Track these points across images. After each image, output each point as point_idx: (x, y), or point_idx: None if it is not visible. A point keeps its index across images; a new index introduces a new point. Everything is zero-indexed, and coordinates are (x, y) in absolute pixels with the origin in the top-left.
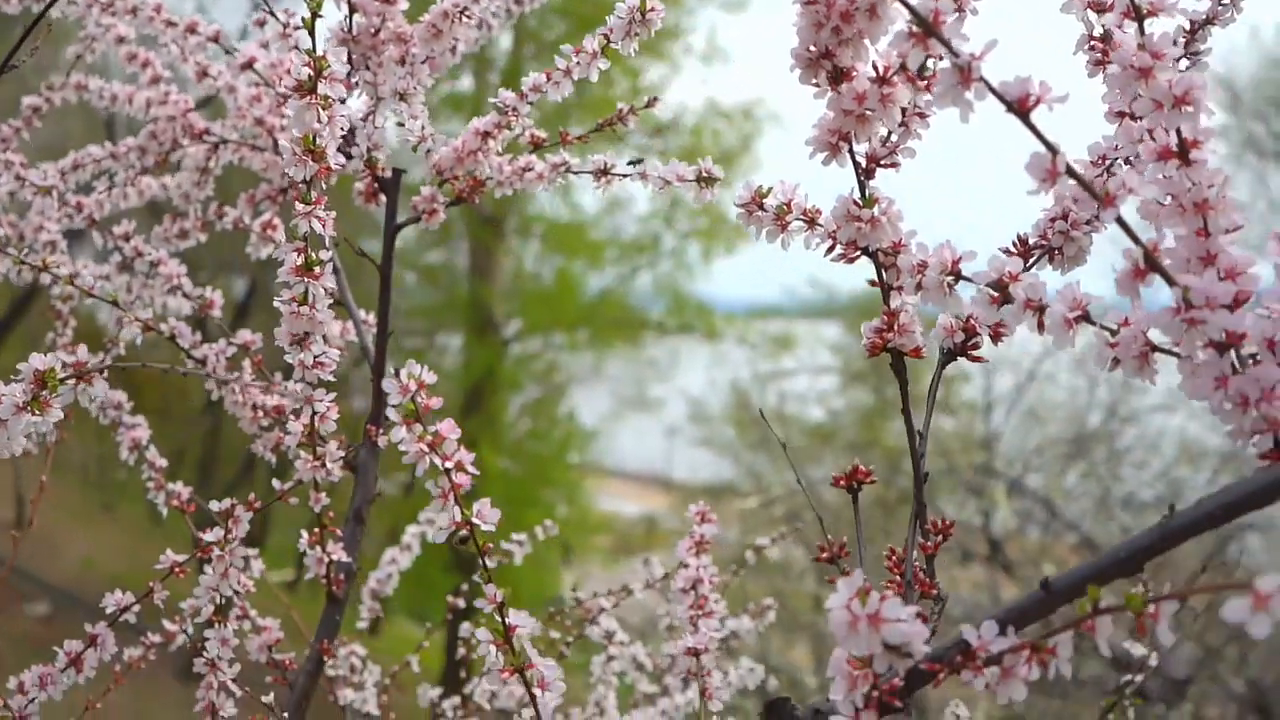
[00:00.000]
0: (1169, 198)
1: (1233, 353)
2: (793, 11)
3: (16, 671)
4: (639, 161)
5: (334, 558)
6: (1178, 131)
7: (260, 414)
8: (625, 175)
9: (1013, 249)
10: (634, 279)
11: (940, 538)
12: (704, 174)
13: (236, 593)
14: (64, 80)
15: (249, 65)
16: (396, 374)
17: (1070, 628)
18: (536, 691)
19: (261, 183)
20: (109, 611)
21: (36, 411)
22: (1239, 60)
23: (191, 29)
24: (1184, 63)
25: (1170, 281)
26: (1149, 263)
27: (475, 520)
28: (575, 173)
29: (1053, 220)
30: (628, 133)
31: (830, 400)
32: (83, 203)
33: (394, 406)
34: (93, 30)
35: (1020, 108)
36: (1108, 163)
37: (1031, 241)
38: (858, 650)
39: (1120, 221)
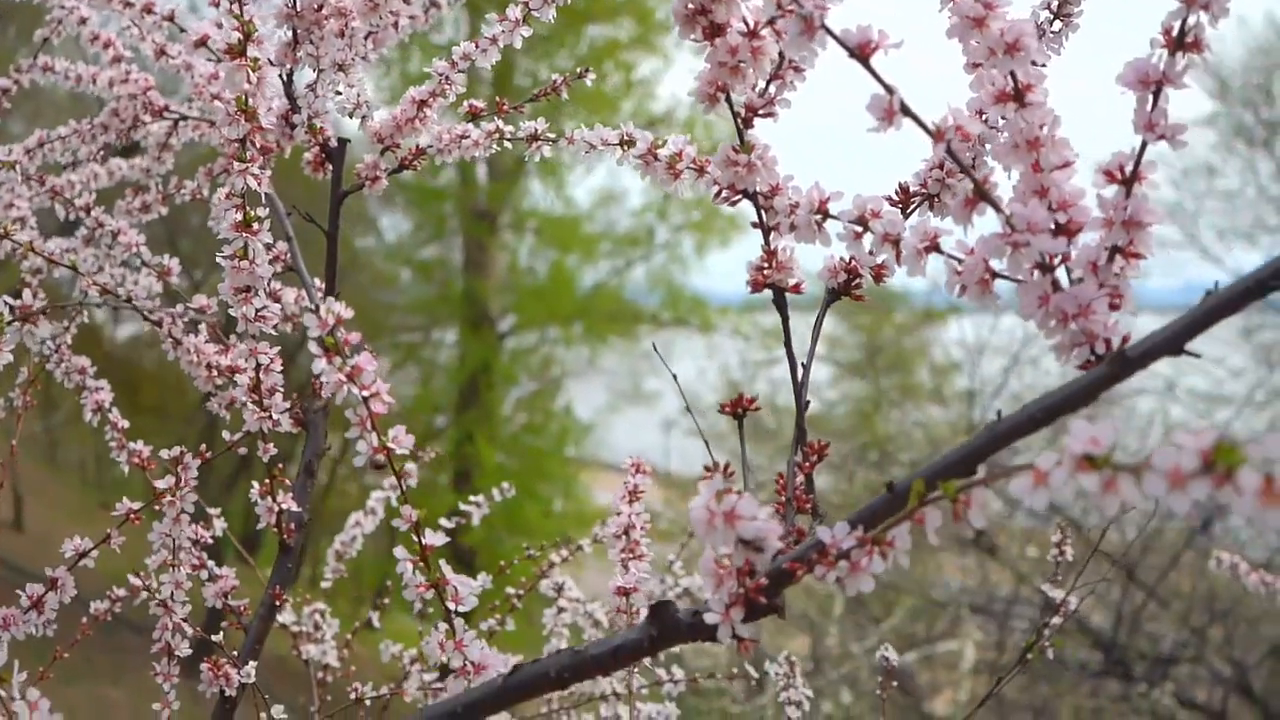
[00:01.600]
0: (1006, 137)
1: (1063, 274)
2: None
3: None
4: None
5: (284, 507)
6: (1012, 75)
7: (214, 373)
8: (553, 139)
9: (894, 197)
10: (628, 273)
11: (816, 458)
12: (625, 138)
13: (194, 541)
14: (31, 62)
15: (203, 43)
16: (316, 309)
17: (904, 518)
18: (450, 605)
19: (219, 157)
20: (67, 556)
21: None
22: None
23: (148, 9)
24: (1057, 24)
25: (998, 209)
26: (979, 193)
27: (391, 445)
28: (510, 139)
29: (931, 169)
30: (619, 127)
31: (823, 391)
32: (46, 178)
33: (314, 339)
34: (57, 13)
35: (861, 53)
36: (984, 116)
37: (912, 190)
38: (716, 544)
39: (951, 154)
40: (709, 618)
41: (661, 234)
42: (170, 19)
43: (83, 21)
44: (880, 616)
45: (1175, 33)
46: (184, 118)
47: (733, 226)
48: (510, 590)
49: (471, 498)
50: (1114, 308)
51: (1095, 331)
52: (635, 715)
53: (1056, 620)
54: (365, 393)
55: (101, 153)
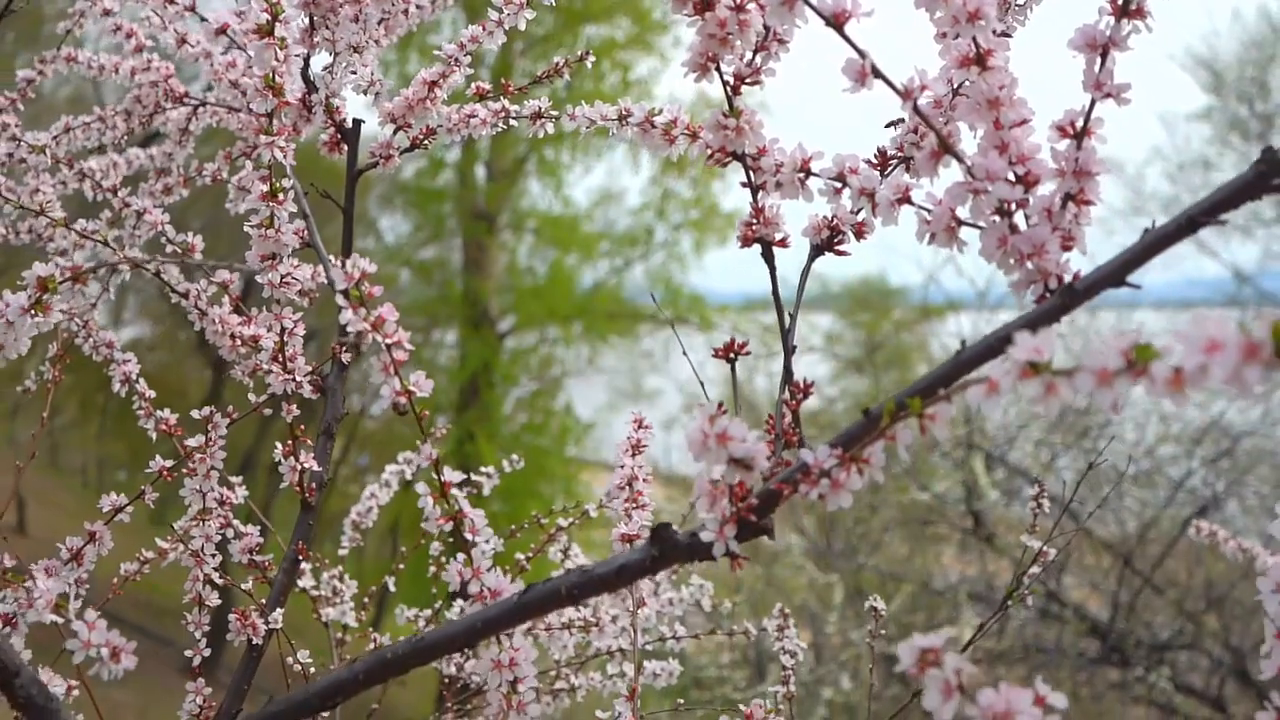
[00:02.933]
0: (968, 97)
1: (1021, 219)
2: None
3: None
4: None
5: (306, 467)
6: (974, 41)
7: (238, 342)
8: (555, 117)
9: (873, 160)
10: (627, 272)
11: (803, 395)
12: (623, 112)
13: (219, 501)
14: (54, 53)
15: (223, 31)
16: (342, 264)
17: (878, 436)
18: (468, 536)
19: (238, 141)
20: (105, 511)
21: (39, 313)
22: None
23: (170, 0)
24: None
25: (960, 161)
26: (943, 146)
27: (413, 389)
28: (514, 118)
29: (905, 134)
30: (607, 131)
31: (823, 388)
32: (75, 162)
33: (340, 292)
34: (80, 4)
35: (837, 21)
36: (955, 83)
37: (889, 153)
38: (709, 463)
39: (917, 110)
40: (705, 535)
41: (660, 233)
42: (192, 9)
43: (106, 13)
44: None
45: (1120, 1)
46: (203, 104)
47: (730, 225)
48: (519, 555)
49: (482, 468)
50: (1066, 248)
51: (1048, 269)
52: (639, 671)
53: (1035, 569)
54: (388, 340)
55: (125, 138)
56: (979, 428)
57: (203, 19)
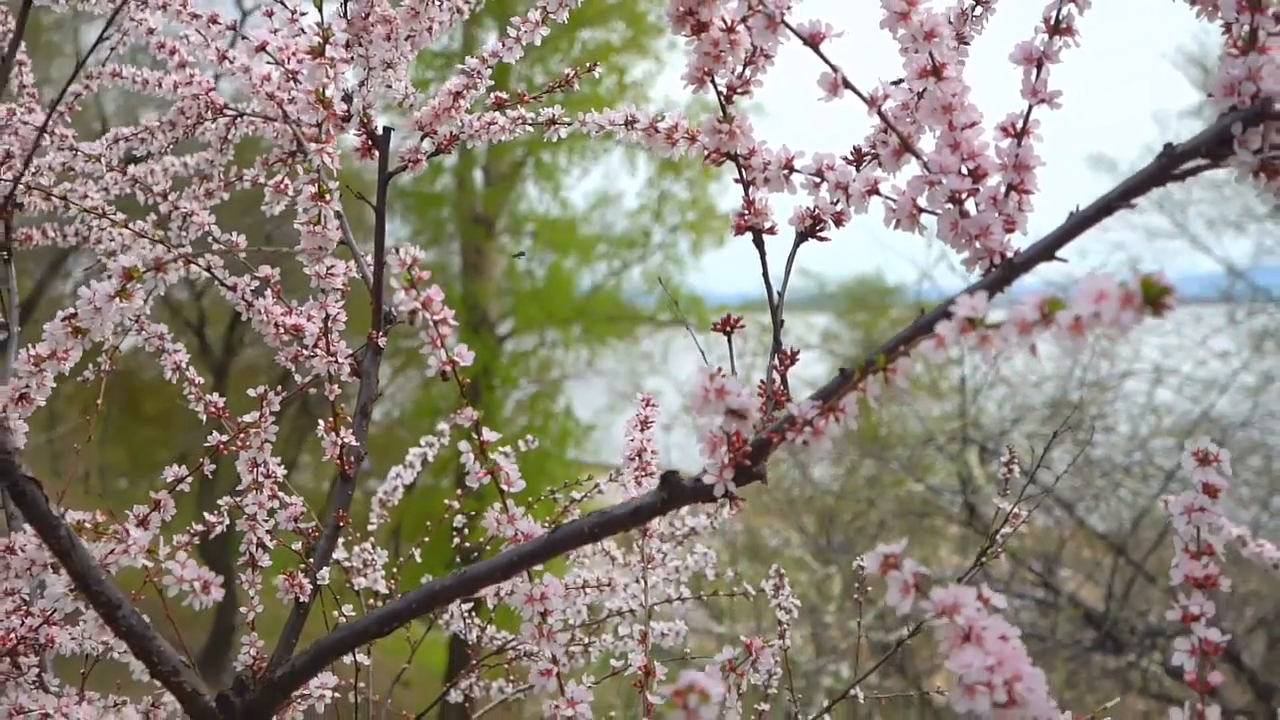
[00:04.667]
0: (926, 103)
1: (971, 206)
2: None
3: None
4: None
5: (346, 442)
6: (930, 55)
7: (280, 330)
8: (568, 123)
9: (849, 157)
10: (625, 274)
11: (790, 361)
12: (629, 117)
13: (267, 474)
14: (100, 69)
15: (262, 48)
16: (396, 250)
17: (850, 389)
18: (504, 487)
19: (274, 148)
20: (168, 481)
21: (123, 299)
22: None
23: (213, 20)
24: (979, 9)
25: (918, 157)
26: (903, 145)
27: (456, 358)
28: (531, 124)
29: (877, 135)
30: (614, 134)
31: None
32: (127, 168)
33: (395, 275)
34: (126, 24)
35: (813, 41)
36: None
37: (864, 150)
38: (709, 414)
39: (881, 116)
40: (707, 479)
41: (658, 234)
42: (232, 28)
43: (150, 31)
44: (876, 597)
45: (1053, 20)
46: (241, 114)
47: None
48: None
49: (500, 449)
50: (1009, 230)
51: (993, 248)
52: (649, 631)
53: (1006, 530)
54: (435, 317)
55: (168, 148)
56: (974, 421)
57: (244, 37)
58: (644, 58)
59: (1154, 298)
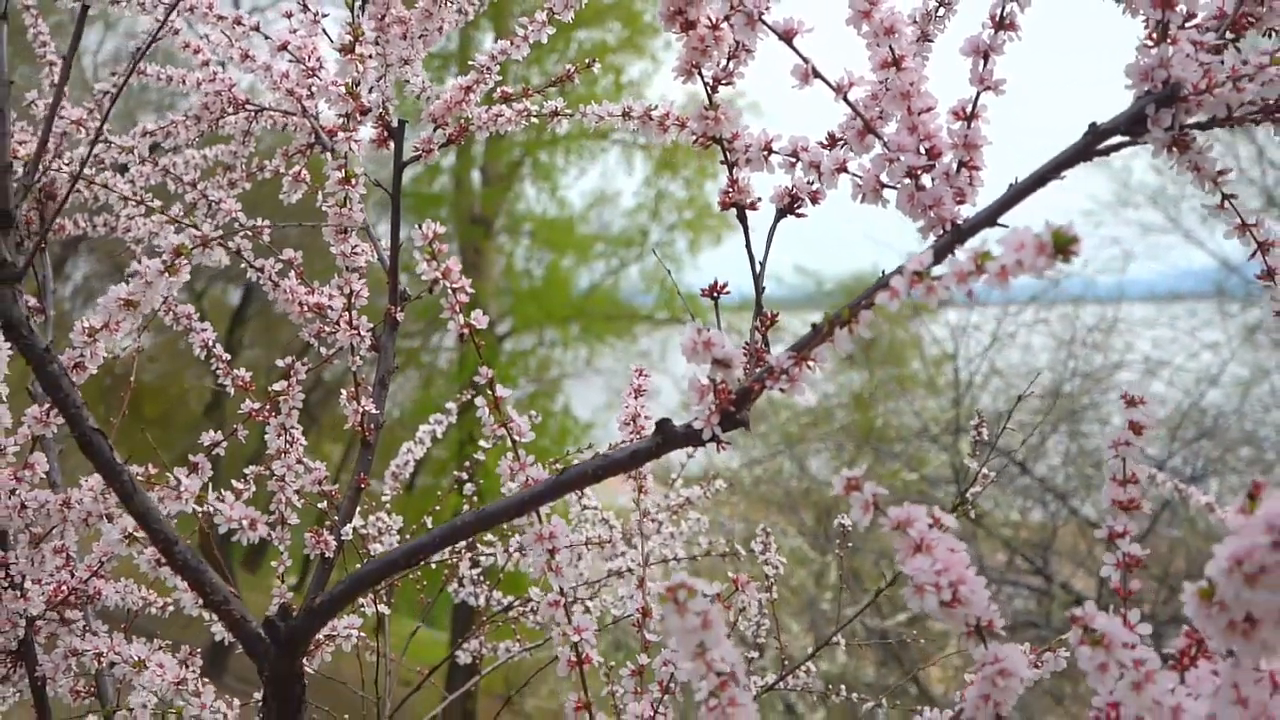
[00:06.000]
0: (888, 91)
1: (928, 180)
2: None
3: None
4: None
5: (366, 410)
6: (890, 49)
7: (304, 309)
8: (569, 114)
9: (824, 141)
10: (623, 273)
11: (770, 322)
12: (626, 109)
13: (293, 437)
14: (128, 66)
15: (284, 47)
16: (419, 225)
17: (821, 340)
18: (516, 437)
19: (293, 140)
20: (205, 445)
21: (172, 274)
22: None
23: (238, 21)
24: (941, 10)
25: (879, 138)
26: (866, 128)
27: (473, 322)
28: (535, 116)
29: (848, 120)
30: (612, 126)
31: (821, 384)
32: (158, 160)
33: (418, 248)
34: (151, 25)
35: (787, 36)
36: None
37: (836, 135)
38: (698, 363)
39: (847, 102)
40: (696, 424)
41: (655, 233)
42: (256, 29)
43: (175, 32)
44: (871, 585)
45: (997, 16)
46: (262, 109)
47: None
48: None
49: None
50: (959, 202)
51: (945, 216)
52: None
53: (976, 489)
54: (454, 285)
55: (195, 140)
56: (968, 412)
57: (266, 36)
58: (640, 57)
59: (1063, 246)
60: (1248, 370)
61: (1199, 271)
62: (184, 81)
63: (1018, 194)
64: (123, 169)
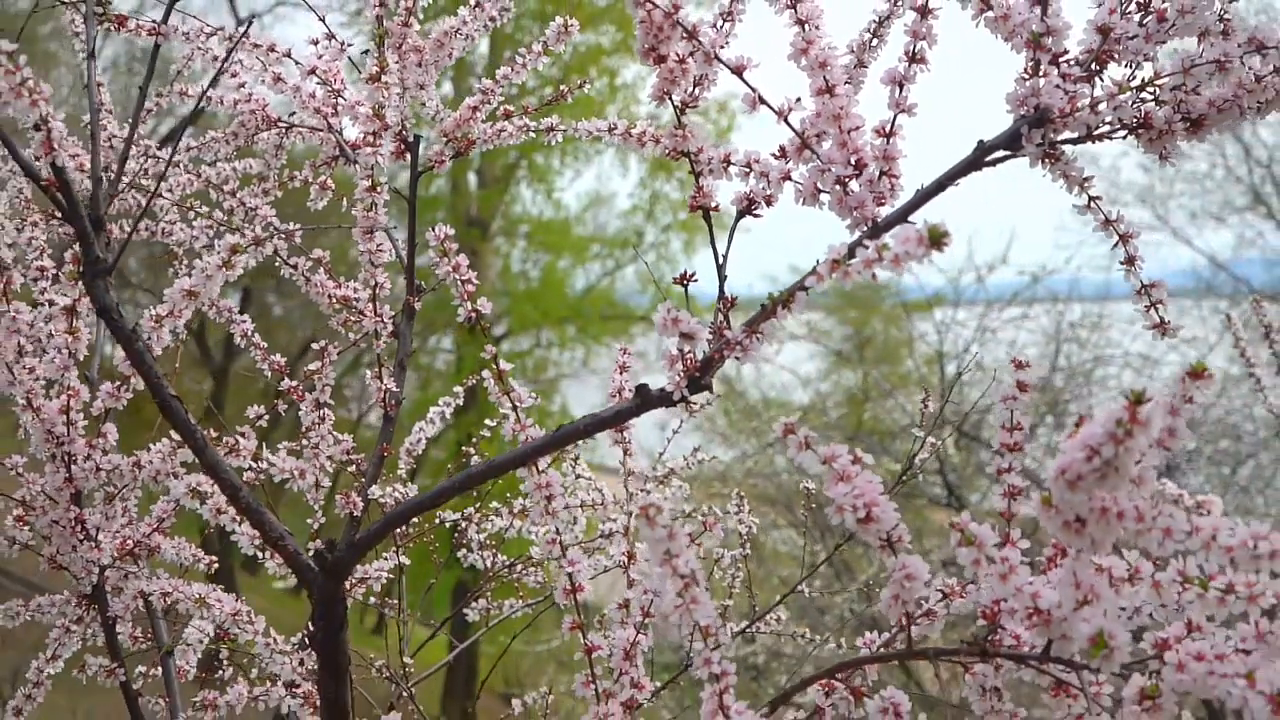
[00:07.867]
0: (820, 115)
1: (854, 186)
2: (765, 11)
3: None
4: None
5: (389, 387)
6: (824, 78)
7: (332, 300)
8: (565, 130)
9: (776, 153)
10: (619, 273)
11: (731, 305)
12: (611, 125)
13: (324, 414)
14: (169, 88)
15: (312, 71)
16: (432, 227)
17: (766, 317)
18: (523, 415)
19: (320, 153)
20: (251, 417)
21: (228, 268)
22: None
23: (271, 48)
24: (875, 40)
25: (815, 153)
26: (803, 144)
27: (479, 309)
28: (534, 131)
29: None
30: (601, 139)
31: (816, 383)
32: (201, 171)
33: (432, 247)
34: (192, 52)
35: (738, 70)
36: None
37: (786, 148)
38: (668, 337)
39: (787, 123)
40: (668, 387)
41: (650, 234)
42: (288, 54)
43: (215, 59)
44: (858, 570)
45: (910, 52)
46: (292, 125)
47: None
48: None
49: (486, 420)
50: (880, 204)
51: (868, 216)
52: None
53: (924, 455)
54: (462, 278)
55: (234, 154)
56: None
57: (297, 62)
58: (634, 60)
59: (936, 239)
60: (1236, 367)
61: (1186, 269)
62: (221, 102)
63: (921, 199)
64: (161, 178)
